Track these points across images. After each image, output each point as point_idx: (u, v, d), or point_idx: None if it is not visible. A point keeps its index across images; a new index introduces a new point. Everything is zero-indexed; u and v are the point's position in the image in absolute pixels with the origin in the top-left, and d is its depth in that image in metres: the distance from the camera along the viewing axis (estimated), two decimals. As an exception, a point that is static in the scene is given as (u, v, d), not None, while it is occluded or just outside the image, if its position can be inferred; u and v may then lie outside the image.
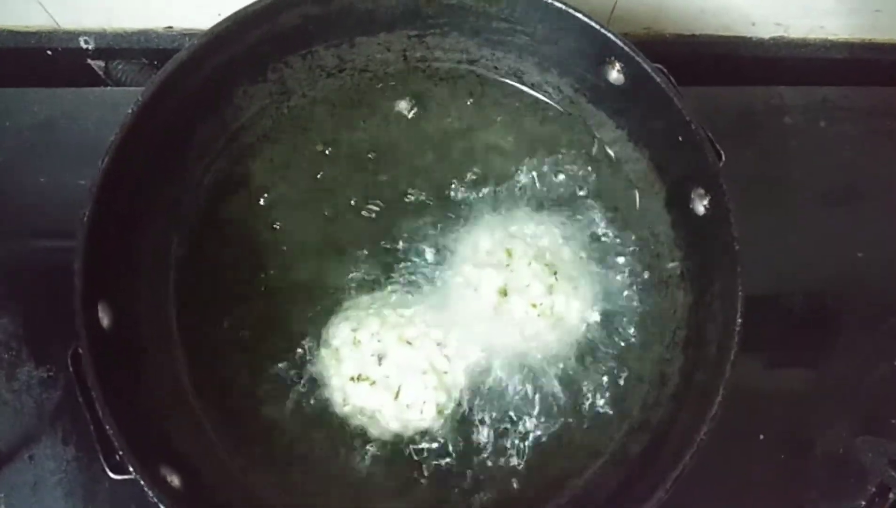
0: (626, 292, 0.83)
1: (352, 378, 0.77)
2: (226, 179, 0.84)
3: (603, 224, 0.85)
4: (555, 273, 0.81)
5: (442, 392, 0.77)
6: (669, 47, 1.05)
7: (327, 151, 0.86)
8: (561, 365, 0.80)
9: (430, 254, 0.83)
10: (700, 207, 0.75)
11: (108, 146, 0.68)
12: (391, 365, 0.77)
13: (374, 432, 0.77)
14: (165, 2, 0.95)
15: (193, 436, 0.75)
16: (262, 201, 0.84)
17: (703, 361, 0.73)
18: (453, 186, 0.85)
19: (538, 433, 0.78)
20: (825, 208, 0.98)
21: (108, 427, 0.62)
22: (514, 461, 0.78)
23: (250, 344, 0.79)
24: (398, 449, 0.77)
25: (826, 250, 0.95)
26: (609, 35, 0.74)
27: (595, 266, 0.83)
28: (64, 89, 0.96)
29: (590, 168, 0.86)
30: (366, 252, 0.83)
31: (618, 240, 0.84)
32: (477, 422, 0.78)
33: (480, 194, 0.85)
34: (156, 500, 0.62)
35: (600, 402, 0.80)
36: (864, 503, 0.87)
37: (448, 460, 0.77)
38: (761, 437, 0.88)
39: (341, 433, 0.77)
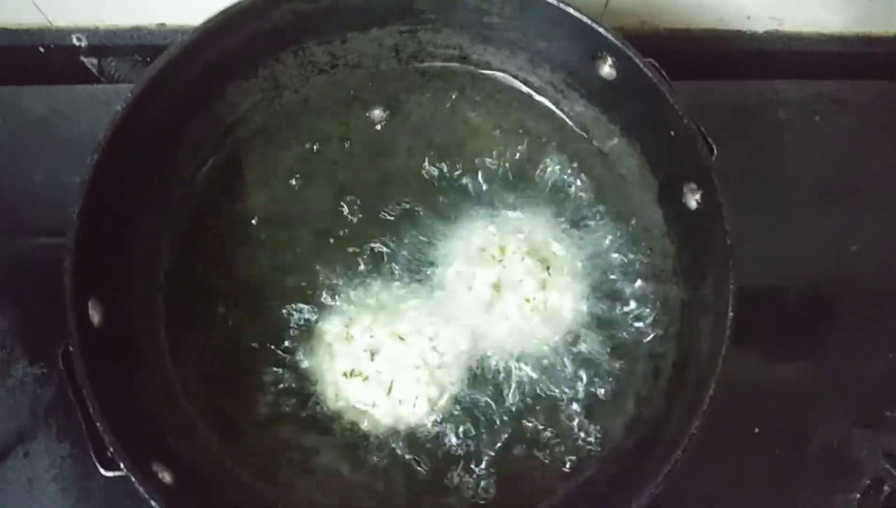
0: (618, 286, 0.83)
1: (344, 374, 0.77)
2: (217, 175, 0.84)
3: (595, 219, 0.85)
4: (547, 268, 0.81)
5: (434, 387, 0.77)
6: (664, 41, 1.05)
7: (319, 147, 0.86)
8: (554, 360, 0.80)
9: (422, 249, 0.83)
10: (692, 201, 0.75)
11: (97, 143, 0.68)
12: (384, 361, 0.77)
13: (366, 427, 0.77)
14: (158, -2, 0.96)
15: (185, 433, 0.75)
16: (253, 198, 0.84)
17: (696, 355, 0.73)
18: (445, 181, 0.85)
19: (532, 427, 0.78)
20: (820, 202, 0.98)
21: (98, 424, 0.62)
22: (508, 455, 0.78)
23: (242, 340, 0.79)
24: (392, 444, 0.77)
25: (821, 244, 0.95)
26: (600, 30, 0.73)
27: (588, 261, 0.83)
28: (57, 87, 0.97)
29: (583, 163, 0.86)
30: (357, 248, 0.83)
31: (610, 235, 0.84)
32: (469, 417, 0.78)
33: (473, 190, 0.85)
34: (147, 497, 0.62)
35: (593, 397, 0.80)
36: (858, 495, 0.87)
37: (440, 454, 0.77)
38: (756, 430, 0.88)
39: (334, 429, 0.77)
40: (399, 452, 0.77)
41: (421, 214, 0.84)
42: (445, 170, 0.85)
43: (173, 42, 0.73)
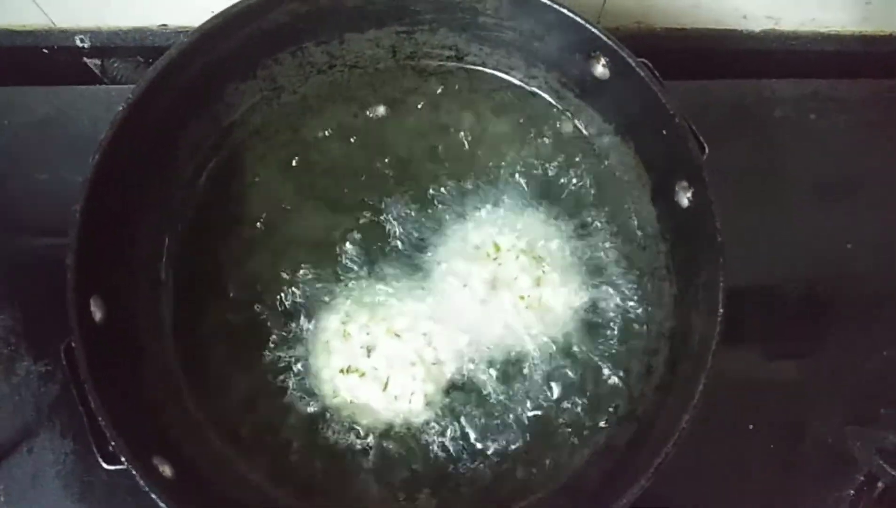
0: (612, 284, 0.83)
1: (341, 370, 0.78)
2: (217, 174, 0.85)
3: (590, 217, 0.85)
4: (542, 266, 0.82)
5: (430, 383, 0.78)
6: (660, 41, 1.05)
7: (317, 147, 0.87)
8: (549, 356, 0.81)
9: (419, 248, 0.84)
10: (684, 199, 0.76)
11: (98, 143, 0.70)
12: (380, 357, 0.78)
13: (363, 422, 0.78)
14: (159, 0, 0.96)
15: (186, 427, 0.76)
16: (253, 197, 0.85)
17: (688, 351, 0.73)
18: (442, 180, 0.86)
19: (526, 423, 0.79)
20: (816, 200, 0.98)
21: (100, 419, 0.63)
22: (503, 450, 0.78)
23: (241, 337, 0.81)
24: (387, 440, 0.78)
25: (817, 242, 0.96)
26: (594, 30, 0.74)
27: (582, 258, 0.84)
28: (61, 88, 0.98)
29: (577, 161, 0.87)
30: (355, 246, 0.83)
31: (605, 232, 0.85)
32: (465, 412, 0.79)
33: (469, 188, 0.86)
34: (147, 490, 0.63)
35: (588, 392, 0.80)
36: (852, 491, 0.88)
37: (436, 448, 0.78)
38: (751, 427, 0.88)
39: (331, 425, 0.78)
40: (396, 447, 0.78)
41: (418, 212, 0.85)
42: (442, 169, 0.86)
43: (175, 43, 0.74)
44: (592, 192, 0.86)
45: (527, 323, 0.81)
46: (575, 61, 0.81)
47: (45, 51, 1.01)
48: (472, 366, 0.80)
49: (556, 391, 0.80)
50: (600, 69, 0.79)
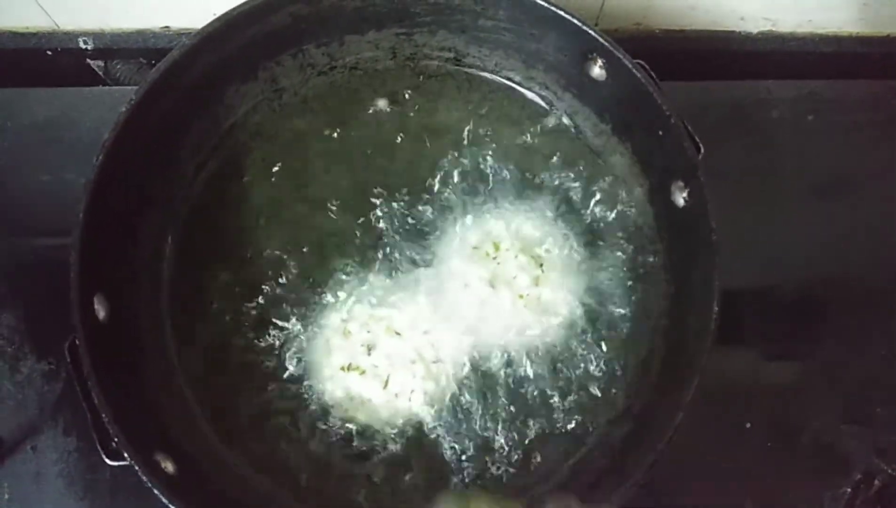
0: (610, 283, 0.84)
1: (342, 368, 0.79)
2: (219, 175, 0.86)
3: (588, 216, 0.86)
4: (541, 265, 0.82)
5: (430, 381, 0.79)
6: (659, 42, 1.06)
7: (318, 148, 0.88)
8: (547, 355, 0.82)
9: (419, 247, 0.84)
10: (680, 199, 0.76)
11: (102, 144, 0.70)
12: (380, 355, 0.79)
13: (364, 419, 0.79)
14: (162, 2, 0.97)
15: (188, 424, 0.77)
16: (254, 197, 0.86)
17: (684, 350, 0.74)
18: (441, 180, 0.87)
19: (524, 421, 0.80)
20: (813, 201, 0.99)
21: (103, 415, 0.64)
22: (501, 448, 0.79)
23: (243, 336, 0.81)
24: (388, 436, 0.79)
25: (813, 242, 0.96)
26: (590, 32, 0.75)
27: (581, 257, 0.84)
28: (64, 89, 0.99)
29: (575, 161, 0.88)
30: (355, 245, 0.84)
31: (602, 231, 0.86)
32: (463, 411, 0.80)
33: (468, 188, 0.86)
34: (149, 485, 0.63)
35: (585, 390, 0.81)
36: (849, 490, 0.88)
37: (435, 446, 0.79)
38: (748, 426, 0.89)
39: (332, 422, 0.79)
40: (395, 444, 0.79)
41: (417, 211, 0.85)
42: (441, 169, 0.87)
43: (177, 45, 0.75)
44: (590, 191, 0.87)
45: (525, 322, 0.81)
46: (572, 63, 0.82)
47: (49, 53, 1.02)
48: (471, 365, 0.81)
49: (553, 389, 0.81)
50: (597, 71, 0.80)
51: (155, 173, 0.80)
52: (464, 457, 0.79)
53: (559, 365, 0.81)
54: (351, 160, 0.88)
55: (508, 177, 0.87)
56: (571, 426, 0.80)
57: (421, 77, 0.90)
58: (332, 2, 0.80)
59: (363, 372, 0.78)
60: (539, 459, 0.79)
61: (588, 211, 0.86)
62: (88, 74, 1.04)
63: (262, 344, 0.81)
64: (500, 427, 0.79)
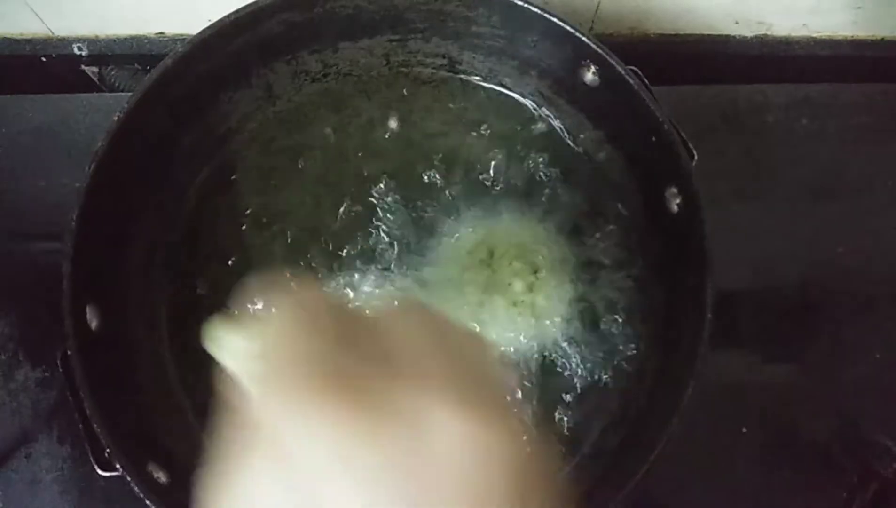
0: (605, 290, 0.84)
1: (336, 376, 0.78)
2: (213, 182, 0.86)
3: (582, 222, 0.86)
4: (535, 272, 0.82)
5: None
6: (653, 47, 1.06)
7: (311, 155, 0.88)
8: (542, 362, 0.82)
9: (413, 254, 0.84)
10: (674, 205, 0.76)
11: (94, 152, 0.70)
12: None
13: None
14: (156, 8, 0.97)
15: (182, 435, 0.77)
16: (248, 204, 0.86)
17: (677, 356, 0.74)
18: (435, 186, 0.87)
19: (518, 428, 0.80)
20: (807, 204, 0.99)
21: (95, 426, 0.64)
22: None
23: (236, 345, 0.81)
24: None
25: (808, 246, 0.96)
26: (583, 38, 0.75)
27: (575, 264, 0.84)
28: (59, 95, 0.98)
29: (569, 167, 0.88)
30: (349, 252, 0.84)
31: (597, 238, 0.86)
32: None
33: (462, 195, 0.86)
34: (141, 495, 0.63)
35: (579, 398, 0.81)
36: (845, 494, 0.88)
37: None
38: (744, 430, 0.89)
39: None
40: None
41: (411, 218, 0.85)
42: (435, 175, 0.87)
43: (172, 51, 0.75)
44: (584, 198, 0.87)
45: (521, 328, 0.81)
46: (566, 69, 0.82)
47: (43, 59, 1.02)
48: (464, 372, 0.80)
49: (548, 395, 0.81)
50: (590, 77, 0.80)
51: (148, 181, 0.79)
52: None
53: (554, 371, 0.82)
54: (344, 167, 0.87)
55: (502, 183, 0.87)
56: (566, 434, 0.80)
57: (415, 83, 0.90)
58: (326, 9, 0.80)
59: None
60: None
61: (581, 217, 0.86)
62: (83, 80, 1.04)
63: (257, 353, 0.81)
64: (494, 434, 0.79)
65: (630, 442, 0.75)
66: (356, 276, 0.83)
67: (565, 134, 0.89)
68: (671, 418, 0.64)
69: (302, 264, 0.84)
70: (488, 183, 0.87)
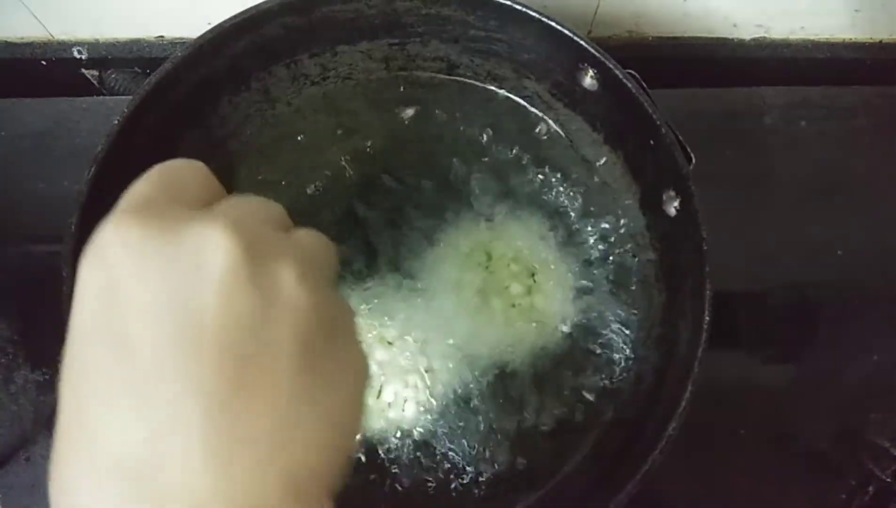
0: (603, 292, 0.84)
1: (335, 379, 0.79)
2: (212, 186, 0.85)
3: (581, 226, 0.86)
4: (533, 275, 0.83)
5: (423, 391, 0.79)
6: (652, 50, 1.06)
7: (310, 158, 0.88)
8: (540, 365, 0.82)
9: (410, 256, 0.84)
10: (672, 208, 0.76)
11: (94, 157, 0.71)
12: (372, 364, 0.79)
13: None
14: (156, 12, 0.98)
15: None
16: (246, 209, 0.86)
17: (676, 358, 0.74)
18: (433, 189, 0.87)
19: (516, 429, 0.80)
20: (805, 207, 0.99)
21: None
22: (493, 458, 0.79)
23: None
24: (379, 448, 0.79)
25: (806, 248, 0.97)
26: (582, 42, 0.75)
27: (573, 267, 0.85)
28: (59, 99, 0.99)
29: (568, 171, 0.88)
30: (346, 256, 0.84)
31: (595, 241, 0.86)
32: (456, 419, 0.80)
33: (459, 198, 0.87)
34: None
35: (578, 400, 0.81)
36: (844, 496, 0.88)
37: (427, 457, 0.79)
38: (742, 432, 0.89)
39: (324, 432, 0.79)
40: (387, 455, 0.79)
41: (410, 221, 0.86)
42: (433, 178, 0.87)
43: (172, 55, 0.75)
44: (582, 201, 0.87)
45: (518, 331, 0.82)
46: (564, 72, 0.82)
47: (43, 63, 1.02)
48: (464, 374, 0.81)
49: (546, 398, 0.81)
50: (589, 80, 0.80)
51: (148, 185, 0.79)
52: (456, 468, 0.79)
53: (551, 374, 0.82)
54: (342, 171, 0.88)
55: (500, 185, 0.87)
56: (564, 435, 0.80)
57: (414, 87, 0.90)
58: (325, 12, 0.80)
59: (356, 383, 0.78)
60: (531, 468, 0.79)
61: (580, 220, 0.86)
62: (83, 84, 1.05)
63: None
64: (491, 436, 0.80)
65: (629, 444, 0.75)
66: (355, 279, 0.83)
67: (563, 137, 0.89)
68: (670, 419, 0.64)
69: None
70: (486, 186, 0.87)
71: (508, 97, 0.90)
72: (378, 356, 0.79)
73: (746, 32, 1.06)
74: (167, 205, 0.36)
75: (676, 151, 0.72)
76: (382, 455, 0.79)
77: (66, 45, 1.02)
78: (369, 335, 0.80)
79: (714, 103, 1.03)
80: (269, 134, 0.88)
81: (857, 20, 1.04)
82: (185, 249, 0.33)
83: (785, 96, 1.03)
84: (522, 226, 0.85)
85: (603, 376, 0.82)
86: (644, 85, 0.75)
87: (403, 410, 0.79)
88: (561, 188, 0.87)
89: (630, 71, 0.75)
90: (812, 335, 0.94)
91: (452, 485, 0.79)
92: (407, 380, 0.79)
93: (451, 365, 0.81)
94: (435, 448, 0.79)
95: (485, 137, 0.89)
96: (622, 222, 0.86)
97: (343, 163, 0.88)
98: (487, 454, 0.79)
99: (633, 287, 0.84)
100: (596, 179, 0.88)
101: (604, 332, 0.83)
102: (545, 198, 0.87)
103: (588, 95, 0.81)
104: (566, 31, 0.75)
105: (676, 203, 0.75)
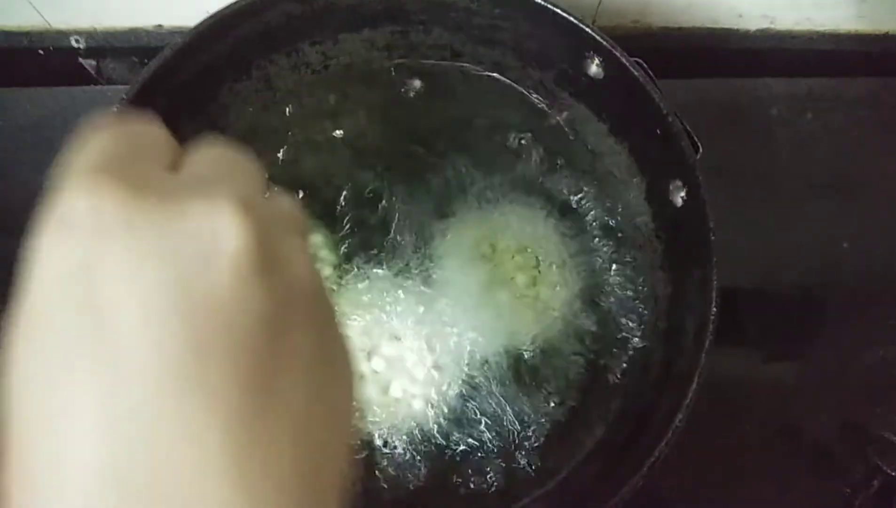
0: (609, 284, 0.83)
1: (341, 374, 0.78)
2: (212, 175, 0.85)
3: (585, 216, 0.85)
4: (538, 266, 0.82)
5: (430, 386, 0.78)
6: (657, 40, 1.05)
7: (312, 148, 0.87)
8: (546, 356, 0.81)
9: (415, 250, 0.83)
10: (678, 198, 0.76)
11: (93, 146, 0.70)
12: (380, 360, 0.78)
13: (362, 425, 0.78)
14: (154, 1, 0.96)
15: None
16: (248, 198, 0.85)
17: (682, 350, 0.73)
18: (437, 180, 0.86)
19: (523, 424, 0.79)
20: (811, 199, 0.98)
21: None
22: (499, 452, 0.79)
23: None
24: (388, 444, 0.78)
25: (812, 241, 0.96)
26: (587, 30, 0.74)
27: (579, 258, 0.84)
28: (56, 88, 0.97)
29: (573, 160, 0.87)
30: (351, 248, 0.83)
31: (601, 231, 0.85)
32: (463, 415, 0.79)
33: (464, 189, 0.86)
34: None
35: (584, 393, 0.81)
36: (848, 490, 0.88)
37: (437, 451, 0.78)
38: (747, 426, 0.89)
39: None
40: (397, 450, 0.78)
41: (413, 214, 0.85)
42: (437, 169, 0.86)
43: (171, 42, 0.74)
44: (587, 191, 0.86)
45: (524, 323, 0.81)
46: (569, 61, 0.81)
47: (41, 52, 1.01)
48: (471, 368, 0.80)
49: (553, 390, 0.80)
50: (594, 69, 0.79)
51: (147, 174, 0.79)
52: (459, 462, 0.78)
53: (558, 367, 0.81)
54: (343, 160, 0.87)
55: (505, 176, 0.86)
56: (569, 429, 0.79)
57: (416, 75, 0.89)
58: (326, 0, 0.79)
59: (363, 377, 0.78)
60: (538, 462, 0.78)
61: (585, 210, 0.86)
62: (81, 73, 1.03)
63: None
64: (498, 430, 0.79)
65: (634, 437, 0.74)
66: (361, 272, 0.83)
67: (568, 126, 0.88)
68: (677, 411, 0.64)
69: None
70: (490, 177, 0.86)
71: (513, 85, 0.89)
72: (385, 352, 0.78)
73: (752, 23, 1.05)
74: (140, 163, 0.30)
75: (683, 141, 0.71)
76: (389, 452, 0.78)
77: (63, 35, 1.00)
78: (377, 331, 0.79)
79: (719, 94, 1.02)
80: (269, 121, 0.87)
81: (863, 11, 1.03)
82: (186, 227, 0.28)
83: (790, 88, 1.02)
84: (527, 217, 0.84)
85: (609, 366, 0.81)
86: (651, 73, 0.74)
87: (411, 405, 0.78)
88: (566, 179, 0.86)
89: (637, 59, 0.74)
90: (817, 329, 0.94)
91: (460, 480, 0.78)
92: (414, 375, 0.78)
93: (458, 359, 0.80)
94: (442, 444, 0.78)
95: (488, 125, 0.88)
96: (627, 212, 0.85)
97: (343, 152, 0.87)
98: (494, 448, 0.78)
99: (639, 278, 0.83)
100: (601, 168, 0.87)
101: (610, 324, 0.82)
102: (549, 188, 0.86)
103: (594, 83, 0.80)
104: (572, 19, 0.74)
105: (683, 193, 0.75)
